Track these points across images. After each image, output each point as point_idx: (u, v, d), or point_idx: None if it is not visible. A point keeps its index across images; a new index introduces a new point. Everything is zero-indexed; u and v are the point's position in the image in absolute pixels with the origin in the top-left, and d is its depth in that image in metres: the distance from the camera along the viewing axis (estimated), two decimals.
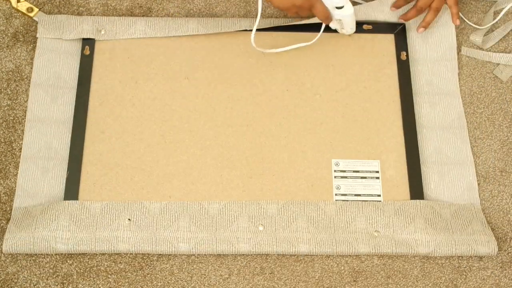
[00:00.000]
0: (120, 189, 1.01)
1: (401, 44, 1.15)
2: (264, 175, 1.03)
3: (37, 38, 1.11)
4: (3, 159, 1.04)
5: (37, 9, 1.14)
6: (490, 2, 1.21)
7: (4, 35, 1.13)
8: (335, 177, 1.03)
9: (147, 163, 1.03)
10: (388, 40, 1.15)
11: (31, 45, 1.12)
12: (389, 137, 1.07)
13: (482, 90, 1.13)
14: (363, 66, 1.12)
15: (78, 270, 0.97)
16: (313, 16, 1.09)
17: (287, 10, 1.06)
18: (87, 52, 1.10)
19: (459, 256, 1.00)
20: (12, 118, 1.07)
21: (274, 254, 0.99)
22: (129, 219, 0.98)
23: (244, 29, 1.12)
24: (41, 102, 1.07)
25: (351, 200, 1.02)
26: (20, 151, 1.04)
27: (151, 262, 0.98)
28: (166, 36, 1.12)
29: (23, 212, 0.99)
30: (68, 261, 0.97)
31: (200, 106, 1.08)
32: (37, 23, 1.14)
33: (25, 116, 1.06)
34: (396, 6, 1.16)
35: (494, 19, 1.19)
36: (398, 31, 1.16)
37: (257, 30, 1.06)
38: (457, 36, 1.16)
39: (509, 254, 1.01)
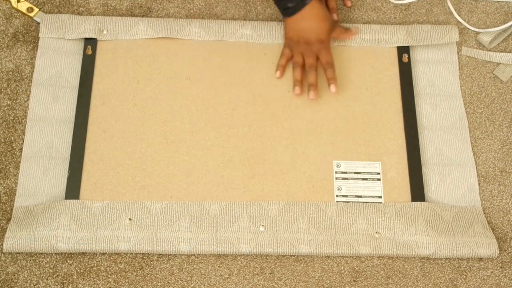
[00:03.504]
0: (121, 189, 1.01)
1: (403, 46, 1.15)
2: (265, 175, 1.03)
3: (39, 37, 1.11)
4: (3, 159, 1.04)
5: (37, 9, 1.14)
6: (502, 3, 1.21)
7: (4, 35, 1.13)
8: (336, 178, 1.04)
9: (148, 163, 1.03)
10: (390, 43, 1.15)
11: (31, 45, 1.12)
12: (390, 138, 1.07)
13: (482, 90, 1.14)
14: (364, 67, 1.12)
15: (78, 270, 0.97)
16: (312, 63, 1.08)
17: (295, 44, 1.08)
18: (89, 52, 1.10)
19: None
20: (12, 118, 1.06)
21: (274, 254, 0.99)
22: (130, 219, 0.98)
23: (245, 39, 1.13)
24: (43, 101, 1.07)
25: (352, 202, 1.02)
26: (20, 151, 1.04)
27: (151, 262, 0.98)
28: (168, 37, 1.12)
29: (24, 211, 0.99)
30: (68, 261, 0.97)
31: (201, 106, 1.08)
32: (37, 23, 1.13)
33: (25, 116, 1.06)
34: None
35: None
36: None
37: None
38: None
39: (509, 254, 1.01)
